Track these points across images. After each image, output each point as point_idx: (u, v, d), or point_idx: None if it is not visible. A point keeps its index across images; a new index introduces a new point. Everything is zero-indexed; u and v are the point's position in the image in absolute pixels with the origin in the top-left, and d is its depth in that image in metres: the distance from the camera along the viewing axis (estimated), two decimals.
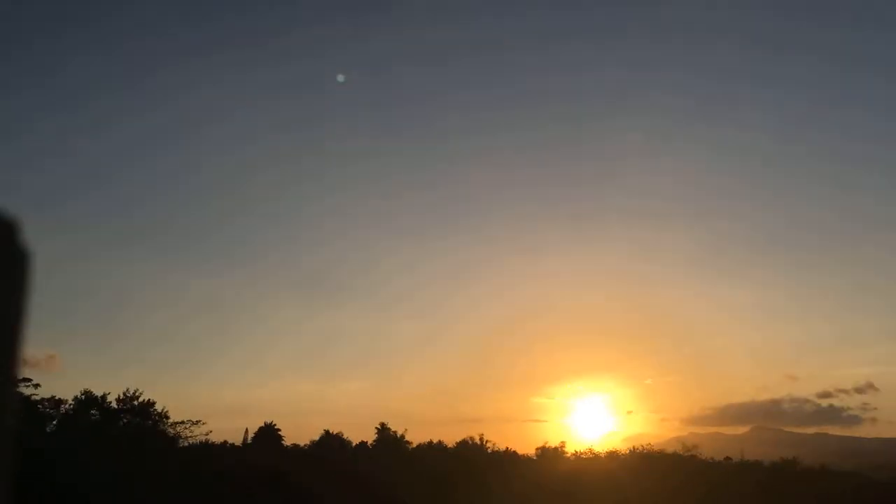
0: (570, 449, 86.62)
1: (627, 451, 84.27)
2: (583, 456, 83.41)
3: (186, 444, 59.14)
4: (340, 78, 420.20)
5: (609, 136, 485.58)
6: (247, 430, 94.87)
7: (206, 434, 62.34)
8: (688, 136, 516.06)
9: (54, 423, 55.17)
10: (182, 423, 59.74)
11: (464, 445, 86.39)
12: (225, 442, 76.35)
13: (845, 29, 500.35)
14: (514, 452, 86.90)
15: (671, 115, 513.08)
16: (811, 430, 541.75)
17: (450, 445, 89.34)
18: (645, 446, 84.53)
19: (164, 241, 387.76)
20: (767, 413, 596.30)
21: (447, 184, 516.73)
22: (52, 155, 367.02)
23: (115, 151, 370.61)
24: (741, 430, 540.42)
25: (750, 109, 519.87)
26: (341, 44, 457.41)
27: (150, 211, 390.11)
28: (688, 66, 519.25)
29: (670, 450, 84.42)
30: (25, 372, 53.33)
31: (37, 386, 54.01)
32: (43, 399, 54.88)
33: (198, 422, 60.37)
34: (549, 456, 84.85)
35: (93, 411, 57.94)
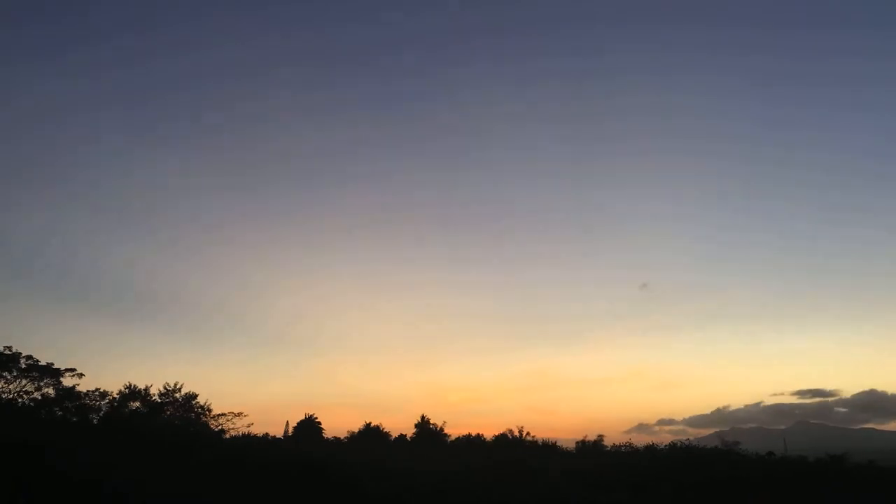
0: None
1: (666, 445, 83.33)
2: (622, 449, 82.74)
3: (229, 436, 60.08)
4: None
5: None
6: (287, 423, 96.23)
7: (248, 426, 63.37)
8: None
9: (101, 414, 56.40)
10: (224, 415, 60.68)
11: (503, 438, 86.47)
12: (266, 434, 77.72)
13: None
14: (554, 445, 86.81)
15: None
16: (857, 426, 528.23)
17: (488, 438, 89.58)
18: (684, 441, 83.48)
19: None
20: (811, 408, 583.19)
21: None
22: None
23: None
24: (784, 424, 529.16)
25: None
26: None
27: None
28: None
29: (710, 444, 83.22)
30: (68, 363, 54.52)
31: (80, 376, 55.07)
32: (88, 391, 56.13)
33: (239, 414, 61.28)
34: (588, 449, 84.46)
35: (136, 404, 59.19)
